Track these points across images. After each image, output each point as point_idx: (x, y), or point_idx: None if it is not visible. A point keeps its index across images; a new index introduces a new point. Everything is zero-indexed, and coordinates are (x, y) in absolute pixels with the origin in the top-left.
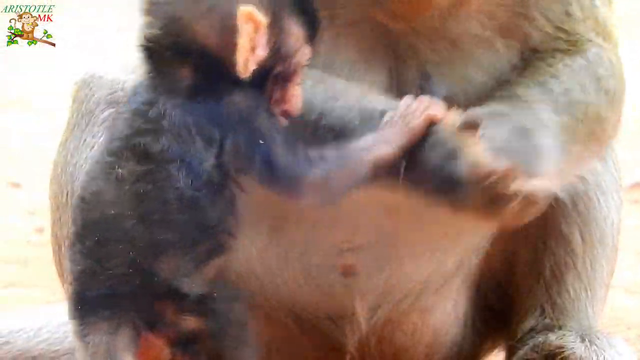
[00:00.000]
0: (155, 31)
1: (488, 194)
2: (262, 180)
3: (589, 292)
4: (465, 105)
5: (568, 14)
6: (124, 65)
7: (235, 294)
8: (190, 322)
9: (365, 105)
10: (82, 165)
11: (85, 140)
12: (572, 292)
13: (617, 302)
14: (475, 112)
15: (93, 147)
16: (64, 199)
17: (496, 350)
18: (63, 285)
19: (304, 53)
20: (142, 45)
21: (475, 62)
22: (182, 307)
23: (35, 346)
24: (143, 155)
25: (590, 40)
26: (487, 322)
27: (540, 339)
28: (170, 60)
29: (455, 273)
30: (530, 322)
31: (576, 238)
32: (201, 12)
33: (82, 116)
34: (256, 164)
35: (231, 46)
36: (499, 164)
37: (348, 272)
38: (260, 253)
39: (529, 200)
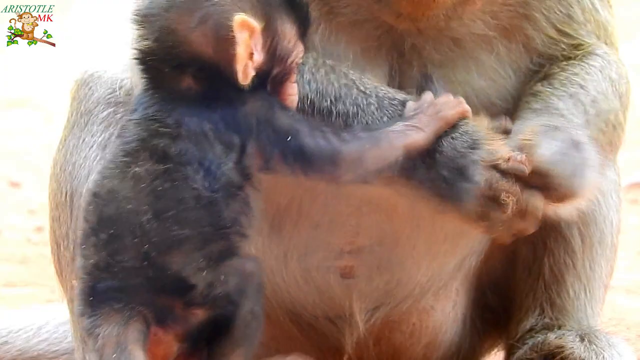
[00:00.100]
0: (150, 43)
1: (492, 193)
2: (298, 171)
3: (588, 292)
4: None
5: (569, 16)
6: (123, 64)
7: (254, 264)
8: (198, 316)
9: (384, 93)
10: (81, 164)
11: (84, 139)
12: (571, 292)
13: (617, 302)
14: (525, 123)
15: (92, 146)
16: (62, 198)
17: (495, 350)
18: (62, 283)
19: (298, 51)
20: (137, 58)
21: (476, 66)
22: (191, 302)
23: (35, 346)
24: (161, 156)
25: (593, 44)
26: (486, 321)
27: (539, 338)
28: (169, 71)
29: (455, 274)
30: (529, 322)
31: (576, 238)
32: (195, 22)
33: (81, 115)
34: (289, 159)
35: (228, 55)
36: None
37: (347, 273)
38: (260, 253)
39: (525, 212)
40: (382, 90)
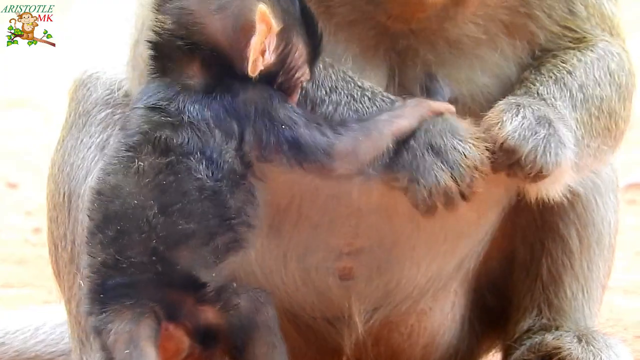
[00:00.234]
0: (167, 26)
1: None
2: (293, 162)
3: (585, 293)
4: (471, 106)
5: (572, 12)
6: (122, 66)
7: (264, 296)
8: (209, 315)
9: (379, 91)
10: (79, 165)
11: (82, 140)
12: (569, 293)
13: (614, 303)
14: (498, 103)
15: (90, 147)
16: (60, 199)
17: (493, 351)
18: (59, 284)
19: (304, 72)
20: (151, 42)
21: (480, 63)
22: (201, 298)
23: (32, 347)
24: (164, 148)
25: (597, 37)
26: (484, 322)
27: (537, 339)
28: (179, 57)
29: (454, 275)
30: (527, 323)
31: (573, 239)
32: (215, 7)
33: (79, 116)
34: (284, 149)
35: (243, 43)
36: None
37: (346, 275)
38: (259, 254)
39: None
40: (378, 88)
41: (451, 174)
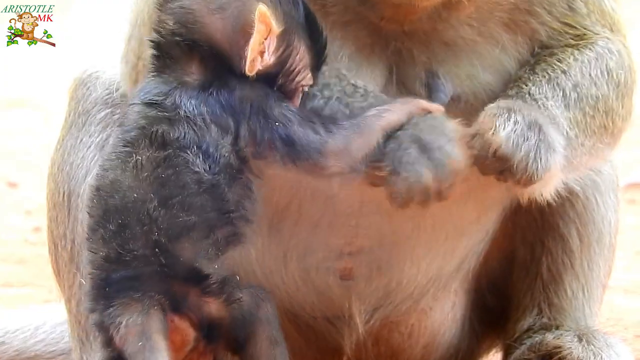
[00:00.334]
0: (170, 26)
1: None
2: (286, 159)
3: (586, 292)
4: (474, 103)
5: (572, 8)
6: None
7: (264, 293)
8: (212, 308)
9: (372, 89)
10: (79, 164)
11: (82, 139)
12: (569, 292)
13: (615, 302)
14: (488, 107)
15: (90, 146)
16: (60, 198)
17: (494, 351)
18: (59, 283)
19: (305, 76)
20: (153, 41)
21: (481, 60)
22: (205, 290)
23: (32, 346)
24: (161, 142)
25: (598, 33)
26: (484, 322)
27: (537, 338)
28: (179, 55)
29: (455, 275)
30: (527, 322)
31: (574, 238)
32: (216, 6)
33: (79, 115)
34: (278, 146)
35: (240, 43)
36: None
37: (346, 275)
38: (259, 253)
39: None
40: (371, 87)
41: (434, 173)
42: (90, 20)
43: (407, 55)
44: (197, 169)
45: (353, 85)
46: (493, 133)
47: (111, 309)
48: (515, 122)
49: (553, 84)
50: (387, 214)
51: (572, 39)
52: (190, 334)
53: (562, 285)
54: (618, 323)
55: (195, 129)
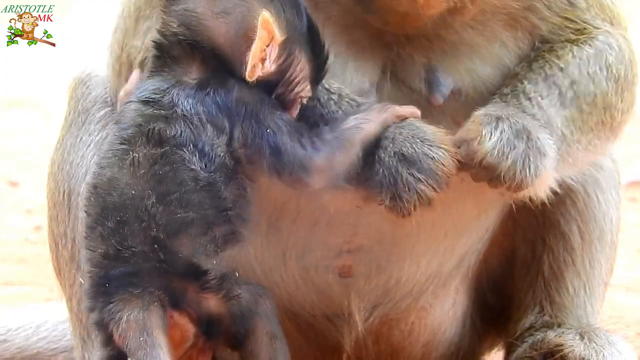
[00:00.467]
0: (173, 29)
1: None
2: (271, 169)
3: (587, 289)
4: (474, 97)
5: (571, 3)
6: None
7: (262, 290)
8: (211, 303)
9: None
10: (78, 163)
11: (81, 138)
12: (571, 290)
13: (616, 300)
14: (477, 113)
15: (89, 145)
16: (60, 197)
17: (495, 349)
18: (60, 282)
19: (304, 88)
20: (155, 42)
21: (480, 54)
22: (204, 286)
23: (34, 344)
24: (158, 139)
25: (598, 28)
26: (485, 320)
27: (539, 336)
28: (180, 55)
29: (455, 273)
30: (529, 320)
31: (575, 235)
32: (219, 10)
33: (78, 114)
34: (265, 153)
35: (242, 48)
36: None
37: (346, 273)
38: (258, 252)
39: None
40: (345, 91)
41: (428, 182)
42: (90, 20)
43: (406, 52)
44: (194, 167)
45: (327, 90)
46: (479, 142)
47: (111, 305)
48: (502, 131)
49: (549, 82)
50: (386, 212)
51: (573, 34)
52: (190, 330)
53: (564, 283)
54: (620, 321)
55: (192, 127)
